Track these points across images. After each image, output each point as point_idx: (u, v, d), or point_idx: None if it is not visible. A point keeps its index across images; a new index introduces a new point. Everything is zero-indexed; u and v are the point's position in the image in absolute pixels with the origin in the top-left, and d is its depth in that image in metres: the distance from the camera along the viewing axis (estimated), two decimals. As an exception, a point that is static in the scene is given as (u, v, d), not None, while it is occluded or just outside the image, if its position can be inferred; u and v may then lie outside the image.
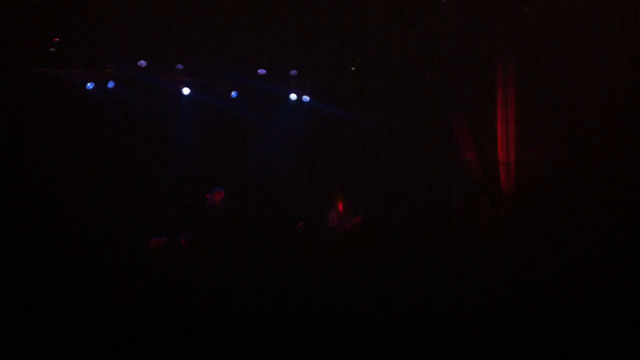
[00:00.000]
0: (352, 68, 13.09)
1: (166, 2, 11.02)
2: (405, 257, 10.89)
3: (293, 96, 13.24)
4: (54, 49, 11.45)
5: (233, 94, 13.07)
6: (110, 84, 12.04)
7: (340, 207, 11.76)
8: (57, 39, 11.39)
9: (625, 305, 8.33)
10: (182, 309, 8.73)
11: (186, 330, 7.92)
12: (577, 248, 10.06)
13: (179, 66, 12.36)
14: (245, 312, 8.67)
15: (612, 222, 10.04)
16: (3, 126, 10.82)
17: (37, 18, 10.73)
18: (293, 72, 13.03)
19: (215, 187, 11.70)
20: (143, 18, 11.04)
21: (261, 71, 12.78)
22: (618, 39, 10.06)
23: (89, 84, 11.85)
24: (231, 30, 11.66)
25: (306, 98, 13.35)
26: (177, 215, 11.94)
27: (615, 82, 10.19)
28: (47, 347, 7.30)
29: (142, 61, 11.92)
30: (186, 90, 12.56)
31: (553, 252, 10.25)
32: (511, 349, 7.30)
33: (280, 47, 12.38)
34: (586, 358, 7.07)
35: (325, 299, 9.25)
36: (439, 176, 12.19)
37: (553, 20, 10.72)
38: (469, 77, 11.80)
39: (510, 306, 8.74)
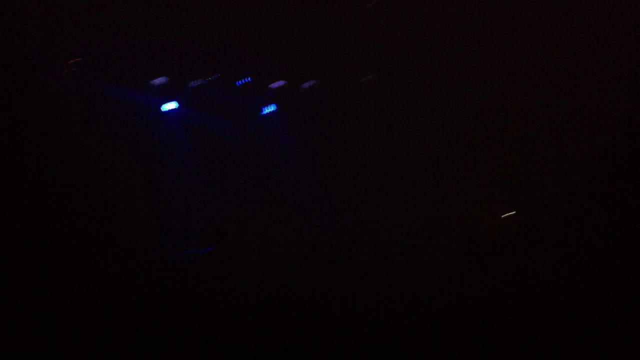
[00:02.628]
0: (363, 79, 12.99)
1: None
2: (404, 258, 10.90)
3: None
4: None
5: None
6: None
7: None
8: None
9: (625, 305, 8.33)
10: (182, 309, 8.74)
11: (186, 330, 7.93)
12: (577, 247, 10.07)
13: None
14: (245, 312, 8.68)
15: (612, 221, 10.07)
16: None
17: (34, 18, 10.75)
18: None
19: (234, 203, 11.68)
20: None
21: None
22: (618, 39, 10.09)
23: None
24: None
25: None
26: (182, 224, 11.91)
27: (615, 82, 10.22)
28: (47, 347, 7.31)
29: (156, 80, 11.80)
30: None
31: (552, 251, 10.27)
32: (510, 347, 7.30)
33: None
34: (586, 358, 7.07)
35: (325, 299, 9.26)
36: (438, 177, 12.21)
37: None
38: (469, 77, 11.82)
39: (510, 305, 8.75)
